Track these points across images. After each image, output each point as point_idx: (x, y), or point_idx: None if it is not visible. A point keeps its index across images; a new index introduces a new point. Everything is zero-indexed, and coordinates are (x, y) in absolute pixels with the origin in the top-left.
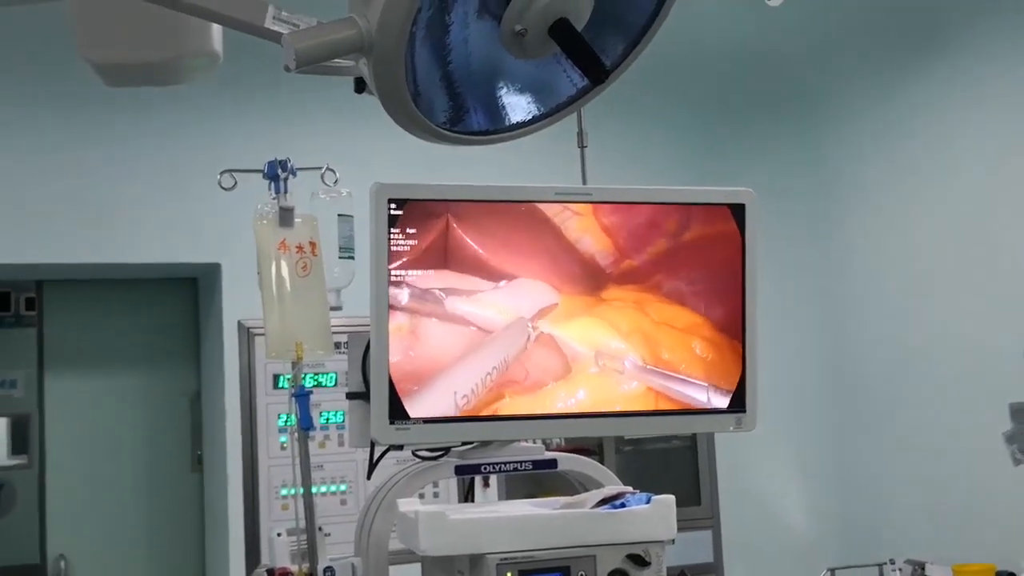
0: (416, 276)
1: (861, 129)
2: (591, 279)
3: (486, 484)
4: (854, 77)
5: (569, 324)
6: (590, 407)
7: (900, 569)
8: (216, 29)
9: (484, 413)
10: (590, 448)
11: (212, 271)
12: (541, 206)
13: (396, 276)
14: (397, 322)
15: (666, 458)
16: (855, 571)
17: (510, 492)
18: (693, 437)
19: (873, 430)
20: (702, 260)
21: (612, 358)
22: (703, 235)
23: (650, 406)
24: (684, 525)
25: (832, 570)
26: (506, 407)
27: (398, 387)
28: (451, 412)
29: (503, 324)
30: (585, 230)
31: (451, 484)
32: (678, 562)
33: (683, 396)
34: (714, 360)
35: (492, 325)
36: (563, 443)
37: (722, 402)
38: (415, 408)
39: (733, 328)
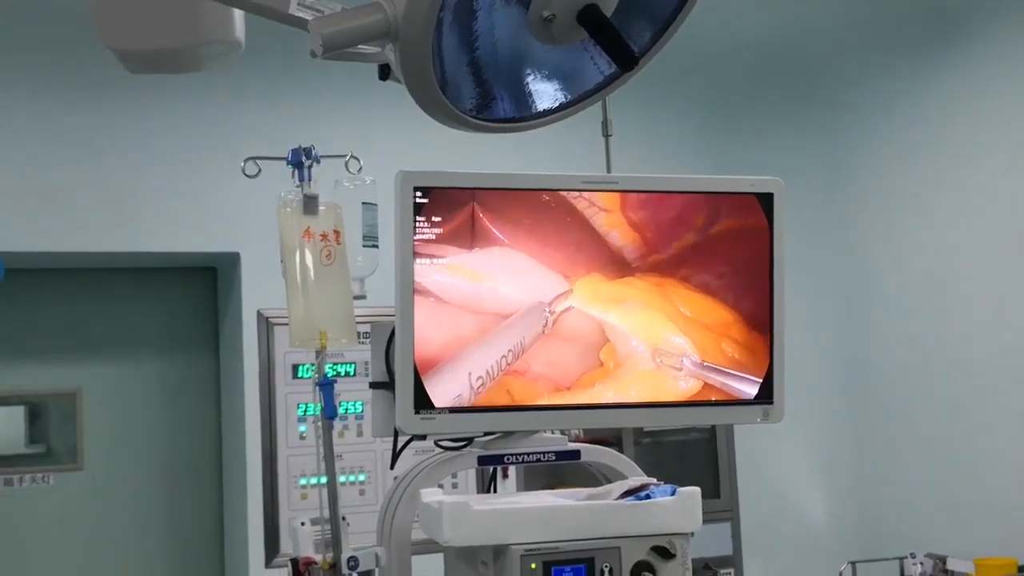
0: (441, 264)
1: (882, 120)
2: (618, 271)
3: (505, 475)
4: (876, 67)
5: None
6: (615, 396)
7: (921, 563)
8: (238, 16)
9: (504, 403)
10: (608, 439)
11: (231, 260)
12: (570, 200)
13: (421, 264)
14: (421, 310)
15: (685, 450)
16: (876, 564)
17: (527, 483)
18: (712, 429)
19: (893, 423)
20: (730, 252)
21: (669, 355)
22: (731, 227)
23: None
24: (703, 517)
25: (854, 563)
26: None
27: (420, 372)
28: (466, 394)
29: (522, 308)
30: (613, 225)
31: (469, 474)
32: (696, 554)
33: (731, 389)
34: (742, 350)
35: (511, 310)
36: (581, 434)
37: (752, 391)
38: (433, 389)
39: (761, 318)
